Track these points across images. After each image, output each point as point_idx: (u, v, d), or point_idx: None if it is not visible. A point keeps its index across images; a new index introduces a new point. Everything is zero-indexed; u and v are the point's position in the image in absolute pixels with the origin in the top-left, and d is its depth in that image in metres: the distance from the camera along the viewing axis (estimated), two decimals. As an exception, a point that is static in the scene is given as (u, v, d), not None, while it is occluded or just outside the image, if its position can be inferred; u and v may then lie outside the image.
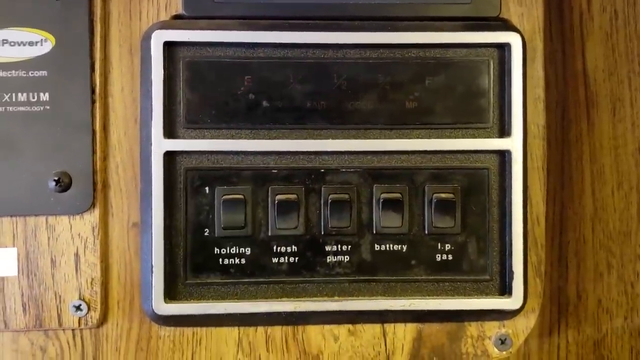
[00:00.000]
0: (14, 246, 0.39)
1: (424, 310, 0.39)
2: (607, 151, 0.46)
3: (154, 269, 0.38)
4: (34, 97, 0.39)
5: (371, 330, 0.41)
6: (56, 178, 0.39)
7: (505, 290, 0.40)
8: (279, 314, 0.39)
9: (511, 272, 0.39)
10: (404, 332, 0.41)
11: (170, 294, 0.38)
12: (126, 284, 0.40)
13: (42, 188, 0.39)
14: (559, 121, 0.46)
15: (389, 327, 0.41)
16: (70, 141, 0.39)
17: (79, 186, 0.39)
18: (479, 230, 0.40)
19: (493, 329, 0.42)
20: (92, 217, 0.40)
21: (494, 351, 0.42)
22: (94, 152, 0.39)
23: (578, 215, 0.46)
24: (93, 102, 0.40)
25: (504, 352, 0.42)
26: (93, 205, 0.39)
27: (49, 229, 0.39)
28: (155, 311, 0.38)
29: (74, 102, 0.39)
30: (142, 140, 0.39)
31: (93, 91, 0.39)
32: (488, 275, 0.40)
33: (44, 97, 0.39)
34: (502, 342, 0.41)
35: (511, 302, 0.39)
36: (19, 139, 0.39)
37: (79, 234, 0.39)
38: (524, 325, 0.42)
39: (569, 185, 0.46)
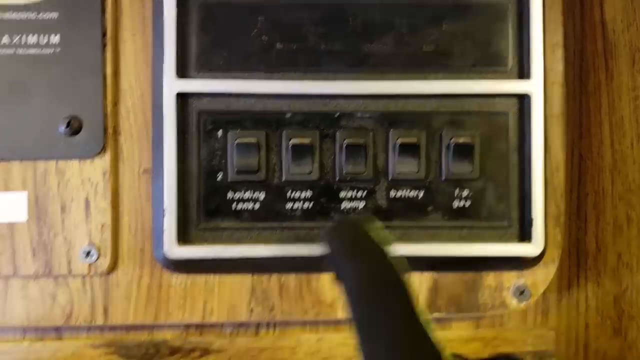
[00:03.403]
0: (23, 190, 0.39)
1: (441, 257, 0.38)
2: (626, 102, 0.45)
3: (166, 212, 0.37)
4: (44, 40, 0.38)
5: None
6: (67, 121, 0.38)
7: (524, 236, 0.39)
8: (293, 259, 0.38)
9: (530, 218, 0.38)
10: (419, 282, 0.40)
11: (183, 238, 0.38)
12: (137, 232, 0.39)
13: (52, 132, 0.38)
14: (577, 72, 0.45)
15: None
16: (80, 85, 0.39)
17: (89, 130, 0.39)
18: (498, 176, 0.39)
19: (511, 279, 0.41)
20: (103, 162, 0.39)
21: (512, 302, 0.41)
22: (104, 96, 0.39)
23: (597, 167, 0.45)
24: (104, 45, 0.39)
25: (523, 304, 0.41)
26: (104, 150, 0.39)
27: (59, 174, 0.39)
28: (168, 255, 0.37)
29: (85, 45, 0.39)
30: (154, 83, 0.38)
31: (104, 35, 0.39)
32: (507, 222, 0.39)
33: (55, 39, 0.38)
34: (521, 293, 0.41)
35: (531, 249, 0.38)
36: (29, 82, 0.38)
37: (89, 179, 0.39)
38: (543, 276, 0.41)
39: (588, 137, 0.45)
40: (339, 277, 0.30)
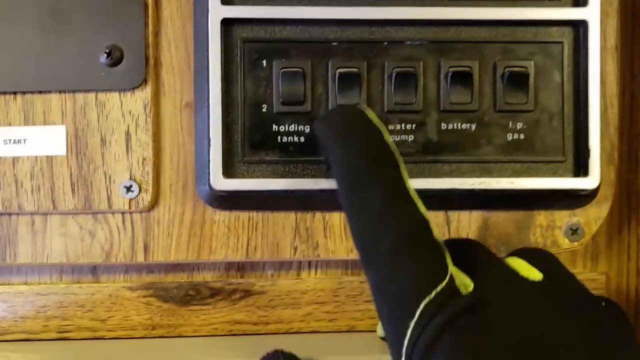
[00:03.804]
0: (62, 124, 0.38)
1: (493, 192, 0.37)
2: (680, 41, 0.43)
3: (211, 144, 0.36)
4: (83, -34, 0.37)
5: (434, 218, 0.39)
6: (107, 51, 0.37)
7: (579, 171, 0.37)
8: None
9: (587, 151, 0.37)
10: (468, 221, 0.39)
11: (228, 172, 0.36)
12: (179, 167, 0.38)
13: (92, 62, 0.37)
14: (630, 10, 0.43)
15: (453, 214, 0.39)
16: (121, 14, 0.37)
17: (130, 61, 0.37)
18: (553, 107, 0.38)
19: (563, 218, 0.39)
20: (144, 94, 0.38)
21: (565, 242, 0.39)
22: (145, 26, 0.38)
23: (649, 107, 0.43)
24: (145, -27, 0.38)
25: (575, 243, 0.39)
26: (145, 82, 0.38)
27: (99, 106, 0.38)
28: (213, 187, 0.36)
29: (125, -28, 0.37)
30: (197, 11, 0.37)
31: (145, -39, 0.38)
32: (562, 156, 0.38)
33: (94, -34, 0.37)
34: (574, 232, 0.39)
35: (587, 182, 0.37)
36: (68, 9, 0.37)
37: (130, 112, 0.38)
38: (596, 215, 0.39)
39: (639, 77, 0.43)
40: (329, 162, 0.30)
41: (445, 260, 0.27)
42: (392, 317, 0.26)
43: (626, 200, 0.43)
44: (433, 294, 0.25)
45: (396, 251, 0.27)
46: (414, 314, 0.25)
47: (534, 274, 0.29)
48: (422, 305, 0.25)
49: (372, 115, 0.30)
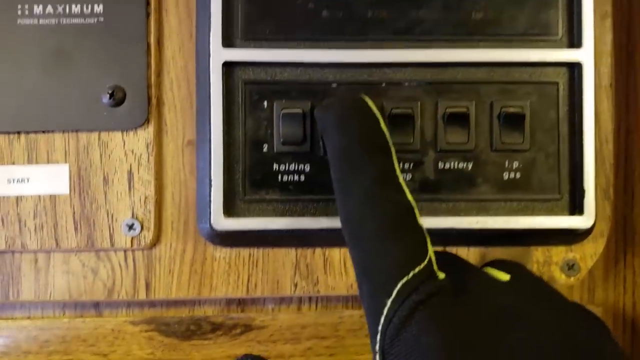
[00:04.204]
0: (65, 163, 0.38)
1: (490, 230, 0.38)
2: (674, 76, 0.44)
3: (212, 183, 0.36)
4: (87, 9, 0.38)
5: (432, 254, 0.39)
6: (110, 91, 0.38)
7: (575, 209, 0.38)
8: (337, 233, 0.37)
9: (582, 190, 0.37)
10: (467, 256, 0.40)
11: (229, 210, 0.37)
12: (180, 204, 0.39)
13: (96, 102, 0.38)
14: (624, 44, 0.44)
15: (452, 250, 0.40)
16: (124, 55, 0.38)
17: (133, 101, 0.38)
18: (549, 146, 0.38)
19: (560, 253, 0.40)
20: (146, 134, 0.38)
21: (562, 277, 0.40)
22: (148, 66, 0.38)
23: (644, 142, 0.44)
24: (147, 15, 0.38)
25: (572, 278, 0.40)
26: (147, 121, 0.38)
27: (102, 145, 0.38)
28: (214, 226, 0.36)
29: (129, 14, 0.38)
30: (199, 53, 0.38)
31: (147, 3, 0.38)
32: (558, 194, 0.38)
33: (98, 9, 0.38)
34: (570, 267, 0.40)
35: (583, 221, 0.37)
36: (72, 51, 0.38)
37: (132, 151, 0.38)
38: (592, 251, 0.40)
39: (635, 111, 0.44)
40: (325, 147, 0.32)
41: (426, 245, 0.28)
42: (371, 295, 0.28)
43: (622, 233, 0.44)
44: (411, 274, 0.27)
45: (380, 233, 0.28)
46: (392, 293, 0.27)
47: (503, 276, 0.32)
48: (399, 285, 0.27)
49: (370, 103, 0.31)
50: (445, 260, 0.30)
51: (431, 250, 0.28)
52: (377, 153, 0.30)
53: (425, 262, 0.27)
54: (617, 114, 0.43)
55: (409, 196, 0.29)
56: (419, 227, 0.29)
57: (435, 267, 0.28)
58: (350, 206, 0.29)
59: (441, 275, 0.28)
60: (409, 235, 0.28)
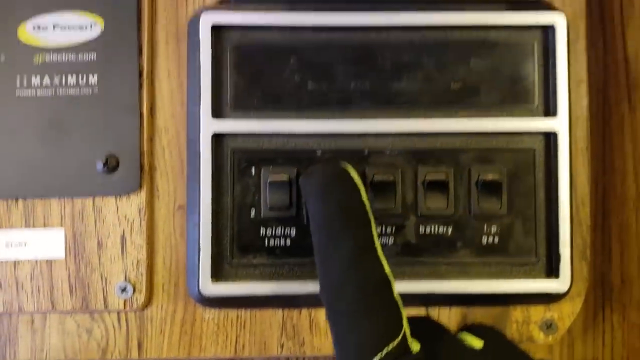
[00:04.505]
0: (61, 227, 0.40)
1: (471, 294, 0.39)
2: (649, 136, 0.45)
3: (201, 249, 0.38)
4: (82, 80, 0.40)
5: (415, 313, 0.41)
6: (104, 159, 0.39)
7: (551, 272, 0.39)
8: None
9: (557, 254, 0.39)
10: (448, 316, 0.41)
11: (217, 275, 0.39)
12: (171, 267, 0.40)
13: (90, 170, 0.39)
14: (601, 105, 0.46)
15: (433, 310, 0.41)
16: (117, 123, 0.40)
17: (126, 168, 0.40)
18: (525, 211, 0.40)
19: (538, 313, 0.41)
20: (139, 199, 0.40)
21: (540, 336, 0.41)
22: (141, 134, 0.40)
23: (620, 200, 0.45)
24: (140, 85, 0.40)
25: (550, 337, 0.41)
26: (140, 187, 0.40)
27: (96, 211, 0.40)
28: (202, 291, 0.38)
29: (122, 85, 0.40)
30: (190, 123, 0.39)
31: (140, 74, 0.40)
32: (535, 257, 0.40)
33: (93, 80, 0.40)
34: (548, 326, 0.41)
35: (558, 285, 0.39)
36: (68, 121, 0.40)
37: (125, 216, 0.40)
38: (570, 310, 0.41)
39: (611, 170, 0.45)
40: (309, 216, 0.33)
41: (401, 319, 0.29)
42: None
43: (601, 289, 0.45)
44: (384, 351, 0.28)
45: (355, 307, 0.29)
46: None
47: (476, 343, 0.32)
48: None
49: (353, 172, 0.33)
50: (422, 328, 0.31)
51: (406, 324, 0.29)
52: (357, 225, 0.31)
53: (399, 338, 0.29)
54: (594, 175, 0.45)
55: (387, 268, 0.30)
56: (394, 302, 0.30)
57: (409, 340, 0.29)
58: (328, 278, 0.31)
59: (415, 348, 0.29)
60: (384, 310, 0.29)
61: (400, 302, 0.30)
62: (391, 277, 0.30)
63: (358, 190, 0.32)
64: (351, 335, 0.29)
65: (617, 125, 0.46)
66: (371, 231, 0.31)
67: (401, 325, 0.29)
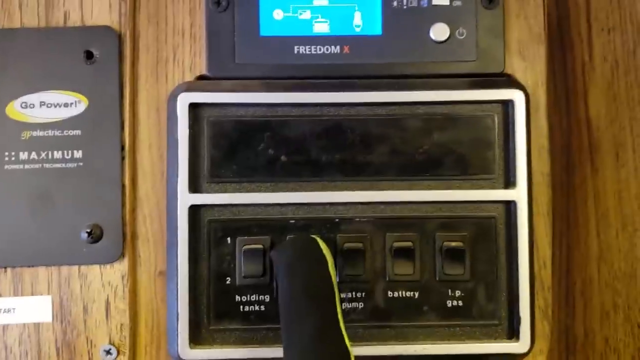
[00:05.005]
0: (48, 294, 0.42)
1: (437, 355, 0.41)
2: (611, 195, 0.47)
3: (179, 315, 0.40)
4: (68, 155, 0.42)
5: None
6: (88, 230, 0.41)
7: (513, 334, 0.42)
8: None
9: (518, 317, 0.41)
10: (415, 375, 0.43)
11: (195, 340, 0.41)
12: (153, 330, 0.43)
13: (75, 239, 0.42)
14: (564, 166, 0.48)
15: (402, 368, 0.43)
16: (101, 195, 0.42)
17: (109, 237, 0.42)
18: (488, 276, 0.42)
19: (503, 371, 0.43)
20: (122, 266, 0.42)
21: (504, 393, 0.43)
22: (123, 205, 0.42)
23: (584, 257, 0.47)
24: (122, 158, 0.42)
25: (514, 394, 0.43)
26: (122, 255, 0.42)
27: (82, 278, 0.42)
28: (181, 356, 0.40)
29: (105, 158, 0.42)
30: (169, 195, 0.42)
31: (122, 148, 0.42)
32: (497, 320, 0.42)
33: (77, 154, 0.42)
34: (512, 383, 0.43)
35: (518, 346, 0.41)
36: (54, 193, 0.42)
37: (109, 282, 0.42)
38: (533, 367, 0.43)
39: (575, 228, 0.48)
40: (277, 289, 0.35)
41: None
42: None
43: (565, 343, 0.47)
44: None
45: None
46: None
47: None
48: None
49: (322, 245, 0.35)
50: None
51: None
52: (321, 301, 0.33)
53: None
54: (558, 232, 0.47)
55: (347, 344, 0.33)
56: None
57: None
58: (291, 355, 0.33)
59: None
60: None
61: None
62: (351, 350, 0.33)
63: (325, 263, 0.34)
64: None
65: (580, 184, 0.48)
66: (335, 306, 0.33)
67: None
